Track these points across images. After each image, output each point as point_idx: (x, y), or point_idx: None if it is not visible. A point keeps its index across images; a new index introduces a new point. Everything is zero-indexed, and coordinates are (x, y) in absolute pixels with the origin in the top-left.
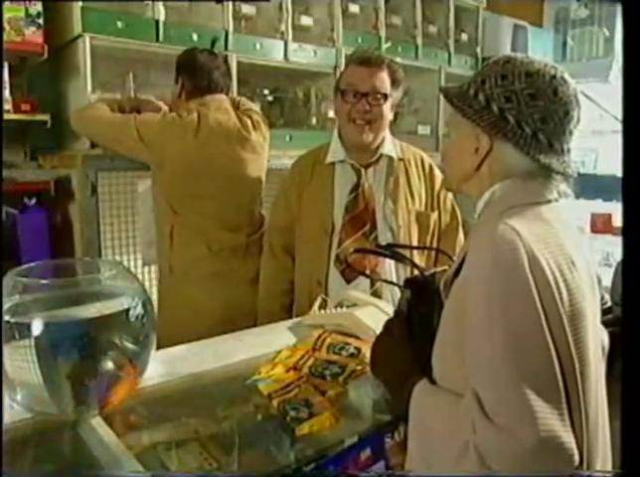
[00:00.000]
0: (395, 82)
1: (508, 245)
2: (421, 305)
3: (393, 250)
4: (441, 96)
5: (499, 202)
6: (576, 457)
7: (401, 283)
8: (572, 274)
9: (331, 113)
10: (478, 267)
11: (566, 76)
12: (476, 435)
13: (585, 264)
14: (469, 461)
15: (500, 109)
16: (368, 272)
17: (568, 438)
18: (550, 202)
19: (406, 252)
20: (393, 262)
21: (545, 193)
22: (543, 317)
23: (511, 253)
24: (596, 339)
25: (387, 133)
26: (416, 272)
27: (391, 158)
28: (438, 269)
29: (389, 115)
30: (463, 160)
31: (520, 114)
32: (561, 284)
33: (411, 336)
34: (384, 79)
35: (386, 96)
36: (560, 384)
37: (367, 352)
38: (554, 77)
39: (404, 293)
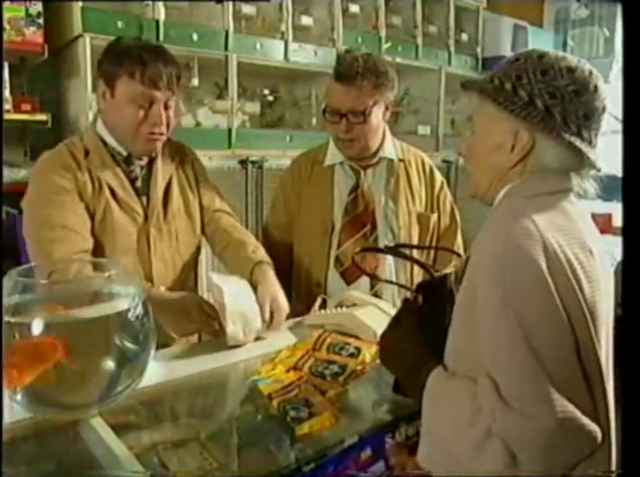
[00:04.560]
0: (382, 86)
1: (522, 232)
2: (434, 308)
3: (399, 251)
4: (441, 96)
5: (518, 192)
6: (599, 436)
7: (402, 284)
8: (590, 263)
9: None
10: (492, 255)
11: (596, 71)
12: (496, 422)
13: (601, 255)
14: (492, 447)
15: (545, 106)
16: (369, 273)
17: (588, 420)
18: (567, 192)
19: (408, 253)
20: (393, 264)
21: (563, 184)
22: (559, 302)
23: (525, 241)
24: (609, 328)
25: (387, 135)
26: (423, 275)
27: (391, 159)
28: (448, 271)
29: (377, 123)
30: (496, 158)
31: (564, 111)
32: (579, 271)
33: (421, 326)
34: (361, 95)
35: (365, 113)
36: (578, 365)
37: (367, 352)
38: (591, 72)
39: (416, 298)
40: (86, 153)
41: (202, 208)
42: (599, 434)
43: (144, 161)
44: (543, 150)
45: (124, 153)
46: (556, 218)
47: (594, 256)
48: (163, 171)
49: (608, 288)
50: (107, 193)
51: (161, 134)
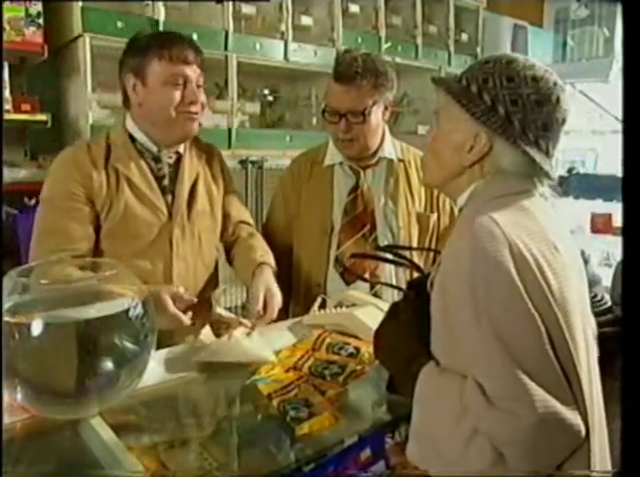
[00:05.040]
0: (381, 86)
1: (487, 234)
2: (425, 305)
3: (392, 253)
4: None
5: (482, 194)
6: (582, 429)
7: (401, 285)
8: (556, 259)
9: None
10: (458, 259)
11: (561, 82)
12: (482, 422)
13: (569, 250)
14: (479, 444)
15: (506, 112)
16: (367, 276)
17: (571, 414)
18: (530, 192)
19: (406, 254)
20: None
21: (526, 185)
22: (529, 300)
23: (491, 243)
24: (585, 321)
25: (386, 135)
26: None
27: (390, 160)
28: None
29: (376, 123)
30: (454, 156)
31: (524, 119)
32: (545, 268)
33: (414, 322)
34: (360, 95)
35: (364, 113)
36: (554, 361)
37: (366, 352)
38: (555, 83)
39: (409, 295)
40: (108, 149)
41: (227, 216)
42: (582, 427)
43: (172, 159)
44: (499, 154)
45: (154, 149)
46: (519, 218)
47: (560, 252)
48: (190, 169)
49: (579, 282)
50: (130, 190)
51: (196, 113)
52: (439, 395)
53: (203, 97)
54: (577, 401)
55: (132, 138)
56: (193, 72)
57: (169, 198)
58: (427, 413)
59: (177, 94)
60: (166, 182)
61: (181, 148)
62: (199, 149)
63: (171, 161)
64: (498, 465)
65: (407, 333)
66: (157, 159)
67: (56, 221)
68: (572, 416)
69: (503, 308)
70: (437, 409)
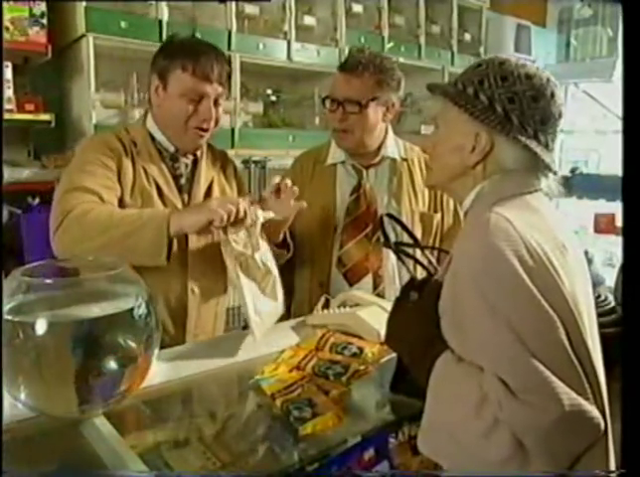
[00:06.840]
0: (383, 83)
1: (502, 234)
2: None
3: (399, 251)
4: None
5: (489, 194)
6: (601, 422)
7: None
8: (565, 258)
9: None
10: (471, 259)
11: (553, 78)
12: (503, 412)
13: (575, 250)
14: (499, 434)
15: (504, 110)
16: (370, 276)
17: (591, 408)
18: (536, 190)
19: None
20: (395, 263)
21: (531, 183)
22: (545, 298)
23: (506, 241)
24: (591, 321)
25: (389, 134)
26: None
27: (393, 159)
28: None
29: (375, 121)
30: (457, 157)
31: (522, 115)
32: (558, 266)
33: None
34: (361, 86)
35: (361, 104)
36: (573, 357)
37: (369, 352)
38: (548, 79)
39: (412, 296)
40: (134, 144)
41: None
42: (602, 421)
43: (189, 160)
44: (501, 151)
45: (171, 149)
46: (529, 217)
47: (568, 251)
48: (206, 172)
49: (585, 283)
50: (149, 185)
51: (207, 130)
52: (458, 383)
53: (219, 114)
54: (595, 395)
55: (151, 136)
56: (213, 89)
57: (185, 197)
58: (445, 402)
59: (190, 109)
60: (183, 181)
61: (198, 151)
62: (214, 154)
63: (188, 161)
64: (517, 456)
65: (423, 318)
66: (175, 159)
67: (79, 179)
68: (593, 410)
69: (521, 307)
70: (456, 398)
